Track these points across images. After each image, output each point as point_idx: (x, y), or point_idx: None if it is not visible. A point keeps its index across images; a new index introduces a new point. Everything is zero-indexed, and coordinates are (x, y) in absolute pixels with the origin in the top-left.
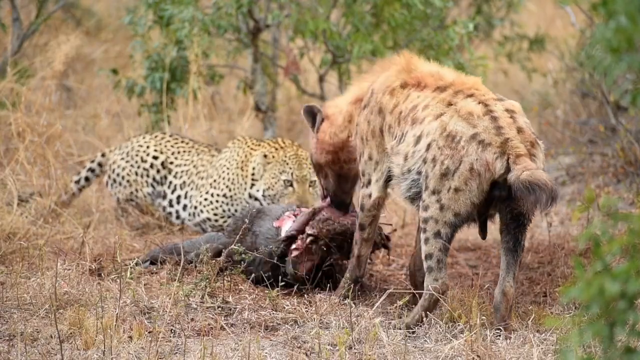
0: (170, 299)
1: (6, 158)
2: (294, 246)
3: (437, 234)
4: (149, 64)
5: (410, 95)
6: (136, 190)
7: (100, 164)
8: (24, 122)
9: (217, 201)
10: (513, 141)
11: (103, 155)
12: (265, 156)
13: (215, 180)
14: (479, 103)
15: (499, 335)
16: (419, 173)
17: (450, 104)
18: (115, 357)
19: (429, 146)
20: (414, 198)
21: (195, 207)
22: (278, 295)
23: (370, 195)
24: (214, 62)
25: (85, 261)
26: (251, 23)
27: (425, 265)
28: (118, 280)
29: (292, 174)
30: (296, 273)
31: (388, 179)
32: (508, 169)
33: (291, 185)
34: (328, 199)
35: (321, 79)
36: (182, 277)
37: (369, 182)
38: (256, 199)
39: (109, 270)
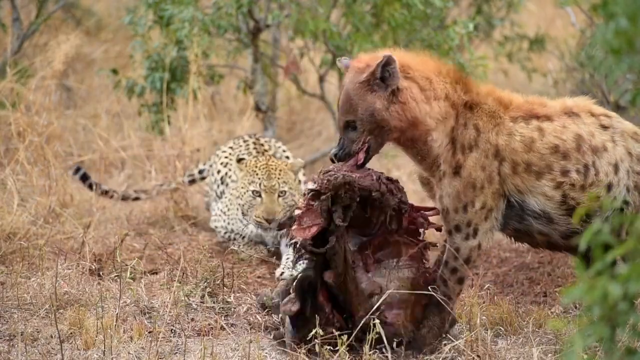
0: (170, 299)
1: (6, 158)
2: (296, 212)
3: None
4: (149, 64)
5: (543, 127)
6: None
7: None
8: (24, 122)
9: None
10: None
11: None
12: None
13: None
14: (625, 121)
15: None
16: (626, 202)
17: (605, 127)
18: (115, 357)
19: (628, 172)
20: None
21: None
22: None
23: (479, 247)
24: (214, 62)
25: (85, 261)
26: (251, 23)
27: None
28: (118, 280)
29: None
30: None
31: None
32: None
33: (259, 195)
34: (361, 157)
35: (321, 79)
36: (182, 277)
37: (475, 233)
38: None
39: (109, 270)
